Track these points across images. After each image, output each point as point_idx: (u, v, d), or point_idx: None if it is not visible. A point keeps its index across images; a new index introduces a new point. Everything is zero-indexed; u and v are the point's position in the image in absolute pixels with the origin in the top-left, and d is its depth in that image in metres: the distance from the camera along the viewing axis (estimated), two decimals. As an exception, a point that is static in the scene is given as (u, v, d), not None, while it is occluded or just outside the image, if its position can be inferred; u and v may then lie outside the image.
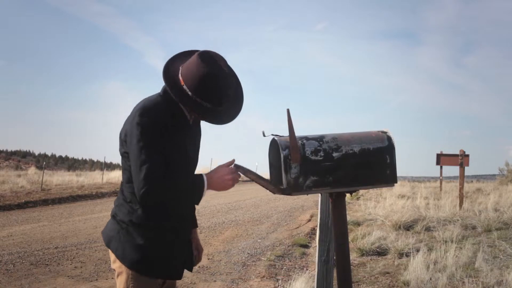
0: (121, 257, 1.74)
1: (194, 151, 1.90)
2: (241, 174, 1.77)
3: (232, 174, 1.74)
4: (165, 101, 1.74)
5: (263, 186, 1.79)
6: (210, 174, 1.73)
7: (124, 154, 1.75)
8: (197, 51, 1.77)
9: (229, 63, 1.80)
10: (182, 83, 1.72)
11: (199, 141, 1.95)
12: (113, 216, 1.82)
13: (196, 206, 2.02)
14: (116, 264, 1.78)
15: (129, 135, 1.68)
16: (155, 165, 1.62)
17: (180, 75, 1.74)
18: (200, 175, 1.73)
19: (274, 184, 1.77)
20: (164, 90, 1.77)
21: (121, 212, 1.78)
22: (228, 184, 1.74)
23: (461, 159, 9.35)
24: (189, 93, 1.71)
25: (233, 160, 1.78)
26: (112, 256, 1.79)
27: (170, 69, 1.76)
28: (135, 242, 1.73)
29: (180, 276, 1.85)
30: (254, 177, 1.76)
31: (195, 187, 1.70)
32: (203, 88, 1.70)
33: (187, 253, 1.91)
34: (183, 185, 1.69)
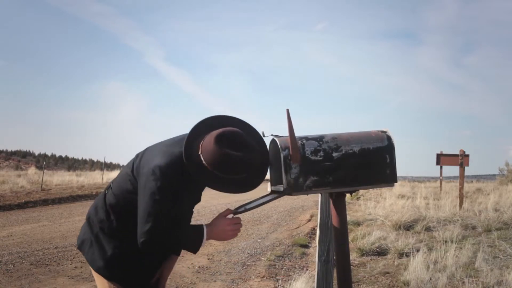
0: (89, 261, 1.83)
1: (199, 196, 1.98)
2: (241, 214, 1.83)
3: (234, 225, 1.80)
4: (181, 164, 1.72)
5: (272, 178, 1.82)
6: (210, 227, 1.77)
7: (132, 174, 1.80)
8: (214, 119, 1.78)
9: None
10: (206, 165, 1.69)
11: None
12: (87, 219, 1.89)
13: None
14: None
15: (145, 179, 1.70)
16: (162, 220, 1.66)
17: (201, 156, 1.71)
18: (201, 228, 1.75)
19: (273, 183, 1.77)
20: (185, 151, 1.75)
21: (96, 216, 1.85)
22: (229, 235, 1.80)
23: (461, 159, 9.35)
24: (213, 171, 1.70)
25: (230, 211, 1.82)
26: None
27: (192, 150, 1.72)
28: (103, 248, 1.80)
29: None
30: (256, 206, 1.82)
31: (194, 240, 1.74)
32: (223, 168, 1.69)
33: (150, 270, 1.92)
34: (183, 238, 1.74)
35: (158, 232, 1.66)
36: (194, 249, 1.75)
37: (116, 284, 1.82)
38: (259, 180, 1.79)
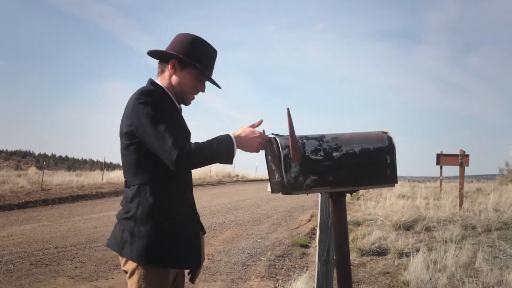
0: (130, 255, 1.70)
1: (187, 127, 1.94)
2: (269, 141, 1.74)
3: (260, 134, 1.72)
4: (157, 89, 1.81)
5: (271, 172, 1.78)
6: (236, 133, 1.72)
7: (129, 147, 1.73)
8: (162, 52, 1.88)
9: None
10: (171, 52, 1.82)
11: None
12: (120, 220, 1.77)
13: (196, 206, 2.01)
14: (127, 265, 1.73)
15: (137, 118, 1.67)
16: (177, 132, 1.64)
17: (166, 50, 1.85)
18: (226, 135, 1.71)
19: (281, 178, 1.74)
20: (151, 82, 1.85)
21: (129, 208, 1.73)
22: (256, 142, 1.71)
23: (461, 159, 9.34)
24: (180, 55, 1.80)
25: (261, 121, 1.77)
26: (123, 259, 1.75)
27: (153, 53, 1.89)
28: (142, 233, 1.69)
29: (192, 265, 1.81)
30: (273, 155, 1.73)
31: (225, 145, 1.67)
32: (194, 49, 1.81)
33: (196, 246, 1.84)
34: (211, 145, 1.66)
35: (184, 141, 1.61)
36: (229, 155, 1.67)
37: (159, 267, 1.70)
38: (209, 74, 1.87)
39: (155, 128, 1.63)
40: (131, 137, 1.72)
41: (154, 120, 1.64)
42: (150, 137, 1.65)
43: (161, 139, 1.61)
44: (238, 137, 1.70)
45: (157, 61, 1.90)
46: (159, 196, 1.72)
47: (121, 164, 1.85)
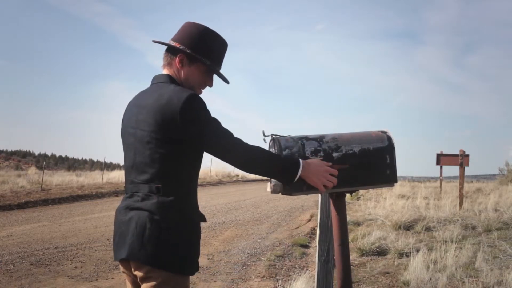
0: (172, 268, 1.62)
1: None
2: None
3: (328, 170, 1.67)
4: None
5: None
6: (305, 160, 1.67)
7: (166, 154, 1.62)
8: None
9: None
10: (179, 45, 1.73)
11: None
12: (150, 226, 1.62)
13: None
14: (153, 274, 1.62)
15: (194, 125, 1.59)
16: (232, 134, 1.64)
17: (171, 41, 1.76)
18: (294, 157, 1.68)
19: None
20: (171, 80, 1.73)
21: (170, 219, 1.62)
22: (324, 176, 1.65)
23: (461, 159, 9.34)
24: (188, 51, 1.72)
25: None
26: (144, 269, 1.62)
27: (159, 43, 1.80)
28: (185, 243, 1.64)
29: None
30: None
31: (290, 164, 1.63)
32: (203, 44, 1.73)
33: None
34: (277, 158, 1.64)
35: (249, 144, 1.61)
36: (292, 174, 1.61)
37: (183, 275, 1.66)
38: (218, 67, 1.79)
39: (218, 137, 1.60)
40: (172, 144, 1.61)
41: (218, 129, 1.62)
42: (212, 143, 1.61)
43: (226, 145, 1.60)
44: (306, 162, 1.64)
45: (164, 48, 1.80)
46: (195, 205, 1.72)
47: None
